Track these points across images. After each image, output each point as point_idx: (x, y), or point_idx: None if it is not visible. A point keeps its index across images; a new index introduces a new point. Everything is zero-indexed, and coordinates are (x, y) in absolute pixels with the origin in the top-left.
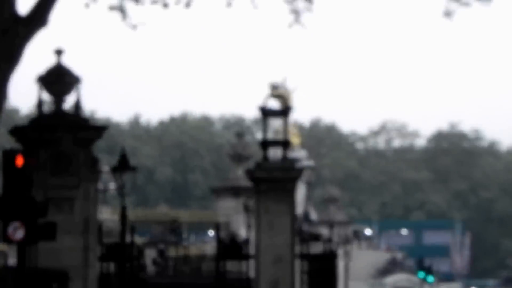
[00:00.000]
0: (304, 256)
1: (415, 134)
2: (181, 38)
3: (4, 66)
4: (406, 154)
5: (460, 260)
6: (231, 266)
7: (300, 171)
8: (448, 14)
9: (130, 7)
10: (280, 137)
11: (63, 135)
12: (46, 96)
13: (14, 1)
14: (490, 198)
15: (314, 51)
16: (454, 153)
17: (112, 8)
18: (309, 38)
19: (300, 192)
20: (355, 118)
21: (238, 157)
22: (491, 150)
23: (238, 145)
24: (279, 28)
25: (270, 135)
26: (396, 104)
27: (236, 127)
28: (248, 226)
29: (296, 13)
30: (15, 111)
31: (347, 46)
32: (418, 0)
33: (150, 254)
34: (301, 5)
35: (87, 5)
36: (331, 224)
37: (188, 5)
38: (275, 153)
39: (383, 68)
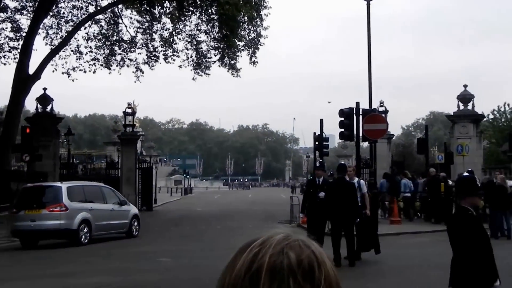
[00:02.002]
0: (139, 168)
1: (183, 123)
2: None
3: (23, 98)
4: (179, 130)
5: (199, 170)
6: (111, 172)
7: (138, 136)
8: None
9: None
10: (131, 123)
11: (45, 120)
12: (39, 105)
13: (28, 66)
14: (211, 147)
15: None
16: (197, 129)
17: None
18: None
19: (139, 144)
20: (159, 115)
21: (115, 131)
22: (210, 129)
23: (115, 126)
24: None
25: (127, 122)
26: (183, 107)
27: (114, 119)
28: (118, 157)
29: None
30: (28, 111)
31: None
32: None
33: (80, 166)
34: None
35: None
36: (150, 156)
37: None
38: (129, 129)
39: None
